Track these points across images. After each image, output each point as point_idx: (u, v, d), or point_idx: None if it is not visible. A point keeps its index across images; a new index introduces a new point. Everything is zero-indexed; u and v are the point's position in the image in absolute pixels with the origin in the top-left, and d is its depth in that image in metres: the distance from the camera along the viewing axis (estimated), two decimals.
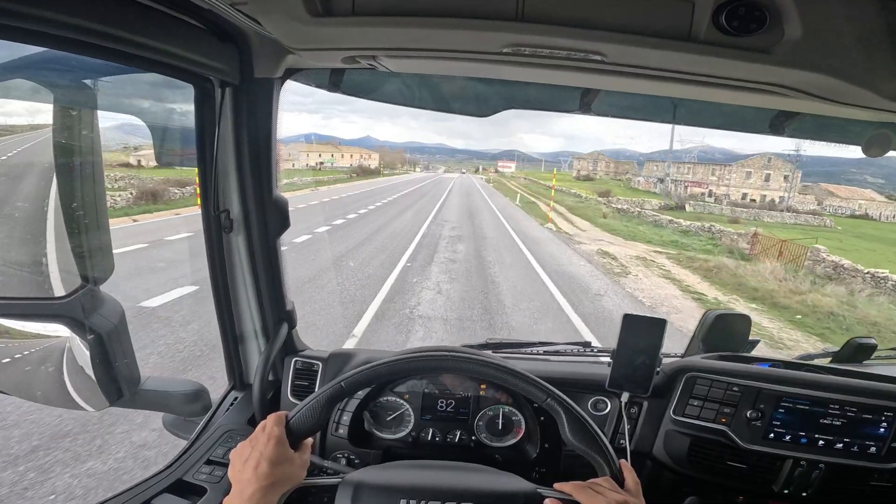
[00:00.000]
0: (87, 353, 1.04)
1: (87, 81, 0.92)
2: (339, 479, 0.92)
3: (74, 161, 0.93)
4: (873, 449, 1.21)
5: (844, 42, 0.73)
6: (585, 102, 1.30)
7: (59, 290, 1.00)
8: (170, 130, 1.19)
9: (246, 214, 1.22)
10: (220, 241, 1.25)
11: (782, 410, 1.23)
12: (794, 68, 0.76)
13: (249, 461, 0.85)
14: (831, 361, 1.61)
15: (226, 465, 1.17)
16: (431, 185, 56.58)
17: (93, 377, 1.06)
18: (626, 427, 1.28)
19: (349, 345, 5.69)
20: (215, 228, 1.22)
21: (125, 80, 1.02)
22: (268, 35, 0.93)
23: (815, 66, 0.76)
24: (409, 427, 1.36)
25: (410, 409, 1.36)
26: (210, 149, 1.13)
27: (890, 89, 0.80)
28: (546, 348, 1.60)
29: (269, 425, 0.90)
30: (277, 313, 1.35)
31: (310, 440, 0.97)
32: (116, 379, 1.10)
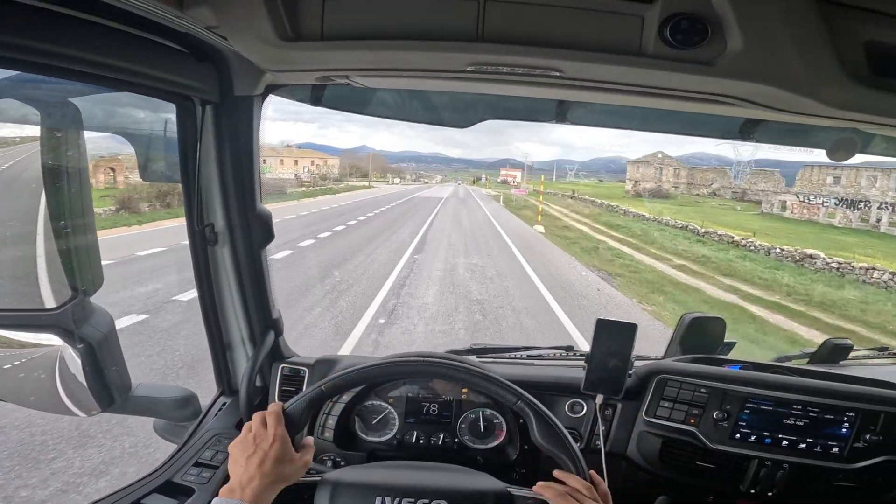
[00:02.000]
0: (79, 361, 1.08)
1: (74, 100, 0.96)
2: (319, 478, 0.96)
3: (61, 177, 0.97)
4: (836, 449, 1.22)
5: (785, 52, 0.75)
6: (561, 112, 1.34)
7: (50, 302, 1.04)
8: (154, 147, 1.23)
9: (230, 227, 1.26)
10: (206, 254, 1.28)
11: (747, 411, 1.25)
12: (737, 79, 0.79)
13: (254, 458, 0.88)
14: (808, 362, 1.63)
15: (214, 468, 1.21)
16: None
17: (85, 384, 1.11)
18: (602, 429, 1.30)
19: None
20: (200, 242, 1.26)
21: (108, 99, 1.06)
22: (246, 56, 0.98)
23: (758, 77, 0.79)
24: (394, 430, 1.39)
25: (395, 413, 1.39)
26: (193, 165, 1.17)
27: (832, 97, 0.82)
28: (529, 353, 1.62)
29: (272, 424, 0.93)
30: (264, 321, 1.39)
31: (312, 445, 1.00)
32: (108, 386, 1.13)
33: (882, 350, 1.77)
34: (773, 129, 1.26)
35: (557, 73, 0.87)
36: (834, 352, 1.62)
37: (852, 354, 1.65)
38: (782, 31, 0.74)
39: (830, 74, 0.78)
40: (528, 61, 0.83)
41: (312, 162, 76.69)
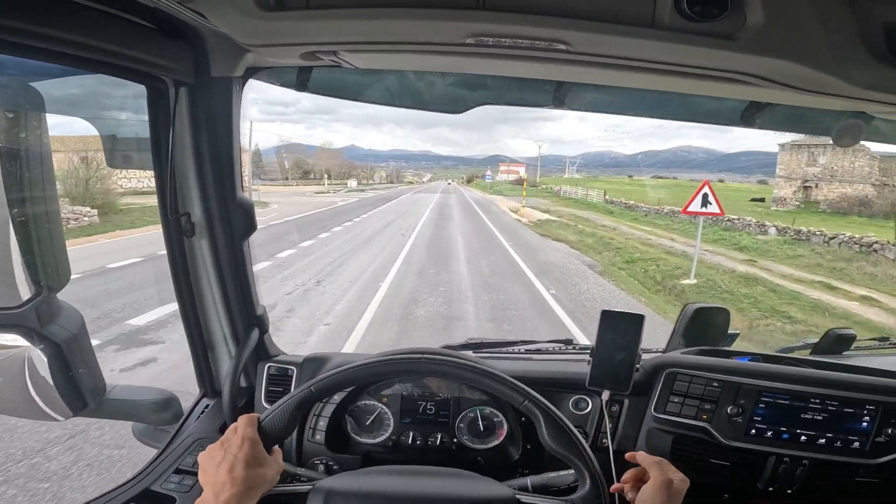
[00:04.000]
0: (47, 363, 1.01)
1: (34, 84, 0.88)
2: (311, 486, 0.90)
3: (21, 165, 0.89)
4: (857, 444, 1.18)
5: (808, 28, 0.71)
6: (558, 97, 1.29)
7: (13, 300, 0.97)
8: (121, 131, 1.15)
9: (209, 217, 1.18)
10: (182, 246, 1.21)
11: (762, 406, 1.21)
12: (758, 55, 0.75)
13: (223, 464, 0.82)
14: (811, 353, 1.60)
15: (196, 474, 1.14)
16: None
17: (54, 387, 1.04)
18: (608, 426, 1.26)
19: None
20: (175, 232, 1.19)
21: (71, 81, 0.98)
22: (223, 32, 0.90)
23: (780, 53, 0.74)
24: (389, 431, 1.34)
25: (389, 413, 1.34)
26: (165, 150, 1.10)
27: (858, 76, 0.79)
28: (528, 347, 1.58)
29: (242, 427, 0.87)
30: (247, 318, 1.32)
31: (279, 450, 0.94)
32: (79, 388, 1.08)
33: (884, 340, 1.75)
34: (778, 114, 1.21)
35: (563, 47, 0.81)
36: (837, 342, 1.59)
37: (854, 345, 1.62)
38: (804, 7, 0.69)
39: (853, 53, 0.74)
40: (533, 32, 0.77)
41: None
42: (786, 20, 0.70)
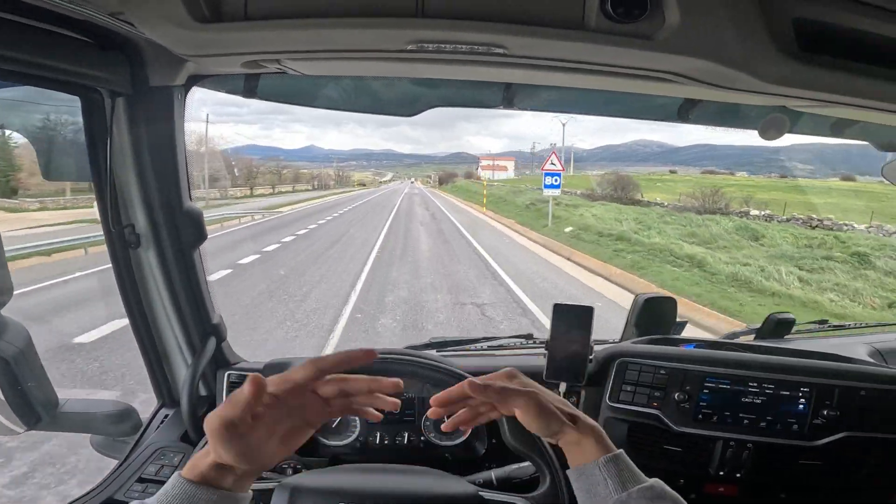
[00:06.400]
0: None
1: None
2: (276, 483, 0.90)
3: None
4: (796, 426, 1.22)
5: (720, 27, 0.75)
6: (508, 97, 1.32)
7: None
8: (57, 143, 1.13)
9: (154, 228, 1.17)
10: (127, 257, 1.20)
11: (706, 391, 1.25)
12: (676, 54, 0.78)
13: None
14: (755, 338, 1.67)
15: (159, 482, 1.13)
16: None
17: (5, 403, 1.02)
18: None
19: None
20: (119, 244, 1.17)
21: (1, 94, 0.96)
22: (159, 42, 0.90)
23: (695, 52, 0.78)
24: (356, 432, 1.34)
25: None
26: (104, 161, 1.08)
27: (770, 72, 0.83)
28: (490, 343, 1.61)
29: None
30: (203, 327, 1.31)
31: None
32: (31, 403, 1.06)
33: (822, 323, 1.83)
34: (708, 109, 1.27)
35: (501, 51, 0.84)
36: (778, 326, 1.66)
37: (795, 329, 1.70)
38: (716, 6, 0.73)
39: (763, 50, 0.78)
40: (471, 37, 0.79)
41: None
42: (700, 20, 0.74)
